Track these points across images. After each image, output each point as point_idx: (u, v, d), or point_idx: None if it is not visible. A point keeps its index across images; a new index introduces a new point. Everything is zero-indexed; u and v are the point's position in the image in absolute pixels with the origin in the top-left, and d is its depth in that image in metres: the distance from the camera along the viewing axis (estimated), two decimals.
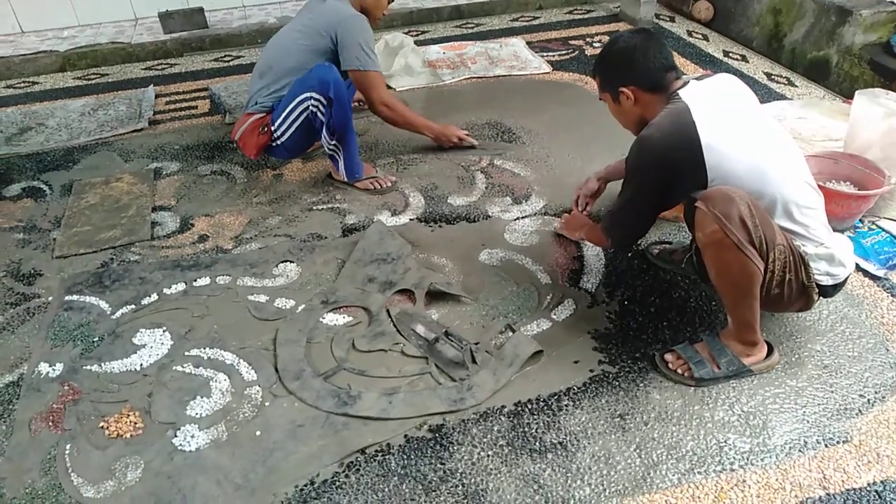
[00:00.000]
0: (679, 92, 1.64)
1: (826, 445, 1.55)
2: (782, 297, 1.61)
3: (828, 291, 1.67)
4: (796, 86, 3.32)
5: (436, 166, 2.76)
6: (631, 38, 1.71)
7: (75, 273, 2.23)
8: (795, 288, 1.60)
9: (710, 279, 1.63)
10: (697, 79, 1.70)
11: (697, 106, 1.58)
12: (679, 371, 1.73)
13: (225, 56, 4.08)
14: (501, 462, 1.55)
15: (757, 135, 1.61)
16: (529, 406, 1.68)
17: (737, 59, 3.64)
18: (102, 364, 1.85)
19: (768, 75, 3.44)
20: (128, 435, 1.64)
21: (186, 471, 1.55)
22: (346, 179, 2.60)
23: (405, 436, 1.62)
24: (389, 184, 2.61)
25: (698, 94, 1.63)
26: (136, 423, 1.67)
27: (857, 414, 1.62)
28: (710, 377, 1.70)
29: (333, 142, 2.48)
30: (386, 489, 1.50)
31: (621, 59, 1.71)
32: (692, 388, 1.70)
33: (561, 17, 4.48)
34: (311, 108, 2.40)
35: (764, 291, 1.58)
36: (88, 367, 1.84)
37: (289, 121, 2.47)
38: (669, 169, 1.61)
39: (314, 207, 2.53)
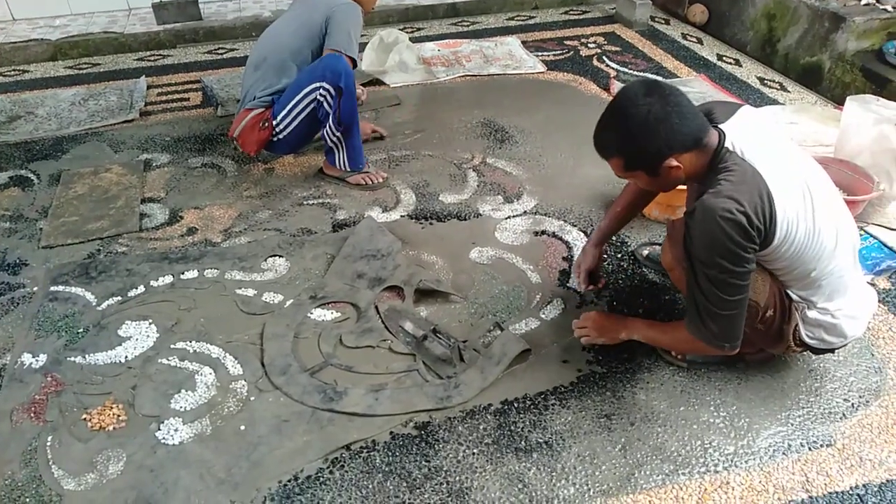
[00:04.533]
0: (731, 146, 1.43)
1: (810, 449, 1.56)
2: (758, 333, 1.59)
3: (817, 352, 1.65)
4: (789, 91, 3.33)
5: (428, 164, 2.76)
6: (647, 102, 1.39)
7: (61, 263, 2.20)
8: (773, 325, 1.57)
9: None
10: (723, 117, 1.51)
11: (764, 167, 1.39)
12: (673, 353, 1.76)
13: (219, 48, 4.05)
14: (487, 460, 1.54)
15: (817, 202, 1.43)
16: (516, 405, 1.68)
17: (730, 64, 3.65)
18: (87, 356, 1.83)
19: (761, 80, 3.45)
20: (111, 427, 1.63)
21: (169, 464, 1.54)
22: (347, 169, 2.58)
23: (391, 433, 1.61)
24: (381, 180, 2.61)
25: (752, 147, 1.43)
26: (119, 416, 1.66)
27: (840, 418, 1.63)
28: (702, 360, 1.73)
29: (338, 133, 2.47)
30: (370, 486, 1.49)
31: (656, 129, 1.39)
32: (679, 390, 1.70)
33: (556, 17, 4.48)
34: (318, 97, 2.39)
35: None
36: (72, 359, 1.82)
37: (294, 112, 2.45)
38: (754, 242, 1.39)
39: (305, 202, 2.52)
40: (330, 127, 2.45)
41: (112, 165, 2.77)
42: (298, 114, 2.45)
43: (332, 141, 2.50)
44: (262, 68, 2.50)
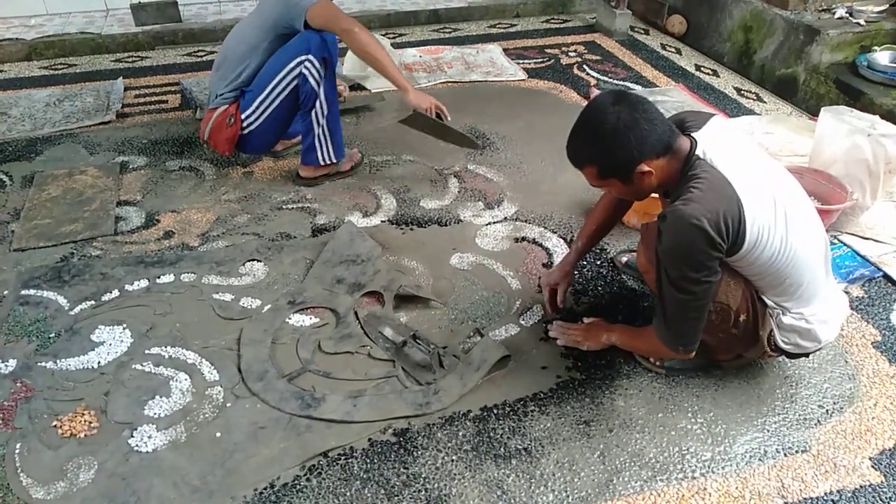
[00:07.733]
0: (702, 154, 1.44)
1: (785, 455, 1.57)
2: (733, 338, 1.61)
3: (792, 356, 1.68)
4: (765, 102, 3.39)
5: (409, 169, 2.75)
6: (615, 110, 1.42)
7: (33, 267, 2.16)
8: (748, 329, 1.59)
9: None
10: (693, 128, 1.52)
11: (733, 176, 1.41)
12: (651, 359, 1.77)
13: (198, 51, 4.01)
14: (466, 467, 1.54)
15: (789, 210, 1.46)
16: (495, 411, 1.67)
17: (708, 74, 3.71)
18: (58, 361, 1.79)
19: (738, 90, 3.50)
20: (82, 434, 1.59)
21: (142, 472, 1.51)
22: (333, 160, 2.54)
23: (369, 439, 1.60)
24: (357, 159, 2.68)
25: (722, 155, 1.44)
26: (90, 423, 1.62)
27: (815, 424, 1.65)
28: (679, 367, 1.74)
29: (327, 116, 2.41)
30: (348, 493, 1.48)
31: (626, 136, 1.41)
32: (657, 397, 1.71)
33: (538, 25, 4.51)
34: (303, 72, 2.28)
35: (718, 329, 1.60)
36: (43, 364, 1.78)
37: (271, 97, 2.36)
38: (720, 251, 1.40)
39: (284, 206, 2.50)
40: (317, 111, 2.38)
41: (87, 167, 2.72)
42: (276, 97, 2.35)
43: (318, 126, 2.42)
44: (222, 67, 2.46)
